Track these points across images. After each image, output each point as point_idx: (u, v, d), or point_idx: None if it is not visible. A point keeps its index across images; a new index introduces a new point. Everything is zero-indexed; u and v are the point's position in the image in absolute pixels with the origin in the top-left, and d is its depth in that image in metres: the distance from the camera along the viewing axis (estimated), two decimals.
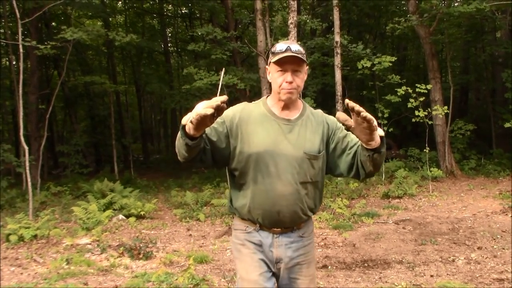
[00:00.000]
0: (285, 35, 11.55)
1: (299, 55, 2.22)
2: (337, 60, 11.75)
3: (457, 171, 13.32)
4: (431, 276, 5.11)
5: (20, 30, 9.59)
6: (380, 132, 2.04)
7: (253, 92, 14.27)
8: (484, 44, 17.54)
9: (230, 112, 2.36)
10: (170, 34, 24.49)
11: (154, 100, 29.19)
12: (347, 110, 1.94)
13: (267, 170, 2.27)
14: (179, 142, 2.05)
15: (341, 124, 2.25)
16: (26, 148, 9.27)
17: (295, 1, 10.37)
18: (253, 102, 2.48)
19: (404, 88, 11.52)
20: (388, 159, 13.95)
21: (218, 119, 2.21)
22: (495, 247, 6.13)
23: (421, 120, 11.43)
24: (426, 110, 11.48)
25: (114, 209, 9.39)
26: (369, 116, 1.86)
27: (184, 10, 22.93)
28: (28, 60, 15.18)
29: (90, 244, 7.02)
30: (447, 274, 5.15)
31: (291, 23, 9.88)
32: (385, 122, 12.35)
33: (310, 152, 2.30)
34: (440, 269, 5.33)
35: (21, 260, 6.28)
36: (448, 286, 4.64)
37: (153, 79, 19.86)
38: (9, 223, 7.59)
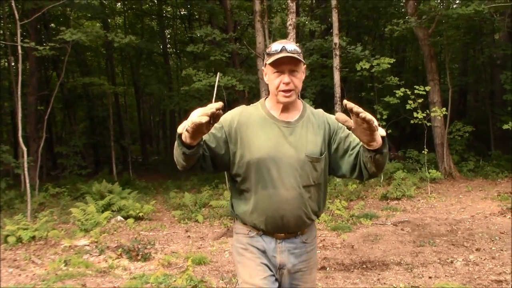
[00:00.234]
0: (284, 36, 11.56)
1: (295, 55, 2.16)
2: (336, 62, 11.77)
3: (455, 173, 13.34)
4: (430, 277, 5.11)
5: (19, 31, 9.61)
6: (381, 132, 1.98)
7: (252, 93, 14.28)
8: (483, 46, 17.56)
9: (228, 117, 2.31)
10: (169, 36, 24.49)
11: (153, 102, 29.20)
12: (347, 111, 1.90)
13: (269, 174, 2.21)
14: (177, 151, 2.01)
15: (342, 124, 2.26)
16: (25, 149, 9.27)
17: (294, 3, 10.39)
18: (251, 105, 2.42)
19: (402, 89, 11.53)
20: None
21: (216, 125, 2.15)
22: (493, 248, 6.14)
23: (420, 122, 11.44)
24: (425, 112, 11.49)
25: (112, 211, 9.38)
26: (368, 116, 1.81)
27: (183, 12, 22.93)
28: (27, 61, 15.16)
29: (88, 245, 7.02)
30: (446, 275, 5.15)
31: (290, 24, 9.89)
32: (384, 123, 12.35)
33: (312, 154, 2.24)
34: (439, 270, 5.33)
35: (19, 261, 6.27)
36: None
37: (152, 80, 19.86)
38: (8, 224, 7.58)
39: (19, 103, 9.57)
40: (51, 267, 5.79)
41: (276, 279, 2.34)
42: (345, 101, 1.84)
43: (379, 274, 5.31)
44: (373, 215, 8.63)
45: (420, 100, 11.30)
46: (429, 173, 11.56)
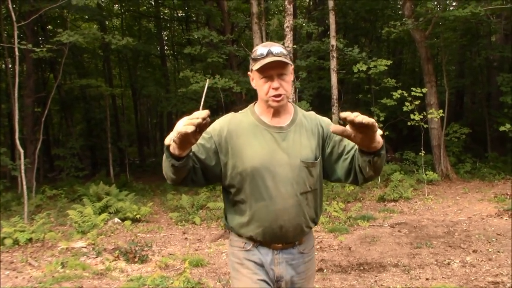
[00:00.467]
0: (281, 38, 11.58)
1: (283, 58, 2.06)
2: (333, 64, 11.78)
3: (452, 175, 13.37)
4: (427, 279, 5.12)
5: (16, 33, 9.59)
6: (379, 131, 1.89)
7: (249, 95, 14.28)
8: (479, 48, 17.59)
9: (217, 126, 2.20)
10: (166, 38, 24.49)
11: (150, 104, 29.20)
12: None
13: (264, 184, 2.12)
14: (165, 164, 1.93)
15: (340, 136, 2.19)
16: (22, 151, 9.25)
17: (291, 5, 10.40)
18: (240, 111, 2.31)
19: (399, 91, 11.56)
20: (384, 163, 13.96)
21: (205, 135, 2.11)
22: (490, 250, 6.15)
23: (417, 124, 11.46)
24: (422, 114, 11.52)
25: (109, 213, 9.37)
26: (367, 120, 1.71)
27: (180, 14, 22.95)
28: (24, 63, 15.15)
29: (85, 247, 7.00)
30: (443, 277, 5.16)
31: (287, 26, 9.90)
32: (381, 125, 12.37)
33: (307, 159, 2.15)
34: (436, 272, 5.34)
35: (16, 263, 6.25)
36: None
37: (150, 82, 19.86)
38: (4, 226, 7.57)
39: (16, 105, 9.55)
40: (48, 269, 5.77)
41: None
42: (342, 115, 1.72)
43: (376, 276, 5.32)
44: (370, 217, 8.64)
45: (417, 102, 11.33)
46: (426, 175, 11.58)
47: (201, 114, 1.69)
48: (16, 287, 5.23)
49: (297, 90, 11.58)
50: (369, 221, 8.37)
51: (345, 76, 14.41)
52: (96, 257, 6.44)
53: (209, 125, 1.75)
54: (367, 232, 7.49)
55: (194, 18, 22.22)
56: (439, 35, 14.40)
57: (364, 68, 12.11)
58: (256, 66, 2.08)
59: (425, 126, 11.89)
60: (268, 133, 2.17)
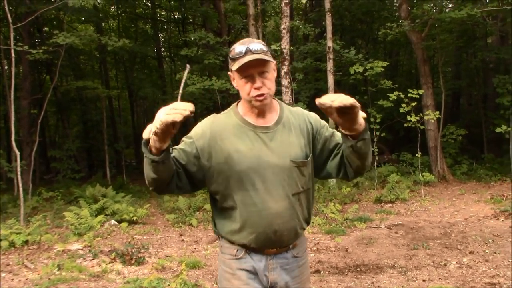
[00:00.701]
0: (277, 40, 11.58)
1: (262, 55, 1.94)
2: (330, 65, 11.80)
3: (449, 176, 13.39)
4: (423, 280, 5.12)
5: (12, 34, 9.57)
6: (362, 113, 1.79)
7: None
8: (476, 50, 17.66)
9: (199, 130, 2.09)
10: (163, 39, 24.47)
11: (147, 105, 29.10)
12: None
13: (254, 188, 2.00)
14: (146, 165, 1.84)
15: (325, 122, 2.12)
16: (18, 153, 9.22)
17: (288, 7, 10.41)
18: (222, 112, 2.20)
19: (396, 93, 11.57)
20: (381, 164, 14.01)
21: (186, 139, 2.05)
22: (486, 251, 6.16)
23: (413, 125, 11.47)
24: (418, 115, 11.53)
25: (106, 215, 9.34)
26: (348, 102, 1.64)
27: (177, 15, 22.96)
28: (20, 65, 15.10)
29: (81, 249, 6.99)
30: (439, 278, 5.16)
31: (284, 28, 9.91)
32: (378, 127, 12.39)
33: (297, 159, 2.04)
34: (432, 273, 5.35)
35: (12, 266, 6.23)
36: None
37: (146, 84, 19.83)
38: (0, 228, 7.53)
39: (12, 106, 9.53)
40: (44, 271, 5.75)
41: None
42: (317, 102, 1.68)
43: (373, 278, 5.32)
44: (367, 218, 8.64)
45: (413, 104, 11.35)
46: (422, 176, 11.59)
47: (188, 106, 1.66)
48: None
49: (293, 91, 11.59)
50: (366, 222, 8.38)
51: (342, 78, 14.41)
52: (93, 259, 6.43)
53: (191, 117, 1.70)
54: (364, 234, 7.50)
55: (190, 20, 22.23)
56: (436, 36, 14.43)
57: (360, 69, 12.13)
58: (235, 66, 1.97)
59: (422, 127, 11.91)
60: (254, 134, 2.05)
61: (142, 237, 8.11)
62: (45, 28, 18.62)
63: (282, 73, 9.56)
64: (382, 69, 12.35)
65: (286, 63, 9.72)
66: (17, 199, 10.10)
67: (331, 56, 11.86)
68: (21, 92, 14.79)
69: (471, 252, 6.16)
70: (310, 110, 2.41)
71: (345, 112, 1.68)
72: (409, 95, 11.32)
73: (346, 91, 18.77)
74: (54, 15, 17.23)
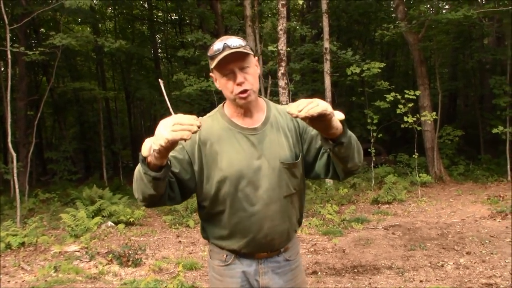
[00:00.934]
0: (274, 41, 11.60)
1: (241, 49, 1.84)
2: (327, 67, 11.81)
3: (445, 177, 13.43)
4: (421, 281, 5.12)
5: (8, 36, 9.54)
6: (338, 115, 1.68)
7: None
8: (472, 51, 17.73)
9: None
10: (160, 40, 24.49)
11: (144, 106, 29.10)
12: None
13: (245, 192, 1.92)
14: (141, 182, 1.75)
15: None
16: (14, 154, 9.19)
17: (285, 8, 10.42)
18: (207, 115, 2.09)
19: (393, 94, 11.59)
20: (378, 165, 14.02)
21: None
22: (483, 252, 6.16)
23: (410, 126, 11.49)
24: (415, 116, 11.55)
25: (103, 216, 9.32)
26: (315, 112, 1.55)
27: (174, 17, 22.96)
28: (16, 66, 15.09)
29: (78, 251, 6.96)
30: (436, 279, 5.17)
31: (281, 29, 9.92)
32: (374, 128, 12.41)
33: (287, 160, 1.96)
34: (429, 274, 5.35)
35: (9, 268, 6.21)
36: None
37: (143, 85, 19.82)
38: None
39: (9, 108, 9.50)
40: (41, 273, 5.73)
41: None
42: (286, 110, 1.60)
43: (370, 278, 5.32)
44: (364, 219, 8.64)
45: (410, 105, 11.37)
46: (419, 177, 11.61)
47: (194, 120, 1.55)
48: None
49: (291, 92, 11.59)
50: (363, 223, 8.38)
51: (339, 79, 14.45)
52: (89, 261, 6.41)
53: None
54: (361, 235, 7.50)
55: (187, 21, 22.23)
56: (432, 38, 14.48)
57: (357, 70, 12.14)
58: (213, 64, 1.88)
59: (419, 128, 11.94)
60: (243, 137, 1.97)
61: (139, 238, 8.09)
62: (42, 29, 18.63)
63: (279, 74, 9.57)
64: (379, 70, 12.38)
65: (283, 64, 9.72)
66: (14, 200, 10.08)
67: (328, 57, 11.87)
68: (17, 93, 14.77)
69: (468, 253, 6.16)
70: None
71: (316, 120, 1.59)
72: (406, 96, 11.34)
73: (343, 92, 18.88)
74: (51, 16, 17.23)
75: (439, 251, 6.33)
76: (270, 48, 11.57)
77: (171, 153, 1.80)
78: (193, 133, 1.54)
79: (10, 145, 9.47)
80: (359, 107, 17.31)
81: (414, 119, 11.44)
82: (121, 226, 8.77)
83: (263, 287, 2.05)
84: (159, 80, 1.87)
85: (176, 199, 1.94)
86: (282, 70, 9.88)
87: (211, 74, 1.99)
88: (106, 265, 6.13)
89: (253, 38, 11.90)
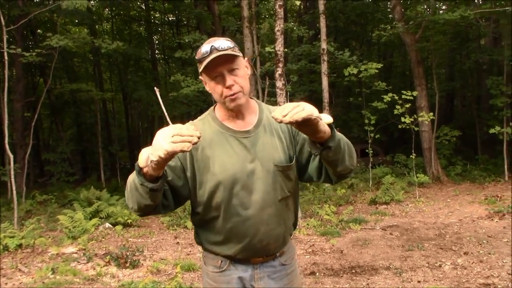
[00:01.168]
0: (272, 42, 11.58)
1: (229, 51, 1.79)
2: (324, 67, 11.80)
3: (443, 177, 13.45)
4: (418, 281, 5.13)
5: (5, 37, 9.53)
6: (327, 118, 1.65)
7: None
8: (469, 52, 17.77)
9: None
10: (157, 42, 24.46)
11: (141, 108, 29.05)
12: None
13: (239, 197, 1.88)
14: (137, 192, 1.71)
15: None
16: (11, 156, 9.18)
17: (282, 9, 10.41)
18: (198, 118, 2.05)
19: (390, 94, 11.60)
20: (375, 165, 14.04)
21: None
22: (481, 252, 6.17)
23: (408, 127, 11.50)
24: (412, 117, 11.57)
25: (100, 218, 9.31)
26: (300, 117, 1.52)
27: (171, 18, 22.94)
28: (13, 68, 15.03)
29: (76, 253, 6.95)
30: (434, 279, 5.17)
31: (278, 30, 9.90)
32: (372, 128, 12.42)
33: (281, 163, 1.91)
34: (427, 274, 5.35)
35: (6, 269, 6.19)
36: None
37: (140, 86, 19.81)
38: None
39: (6, 109, 9.49)
40: (38, 275, 5.72)
41: None
42: (272, 115, 1.56)
43: (368, 279, 5.32)
44: (362, 219, 8.65)
45: (407, 105, 11.38)
46: (417, 177, 11.62)
47: (194, 132, 1.51)
48: None
49: (288, 93, 11.59)
50: (361, 224, 8.38)
51: (336, 80, 14.45)
52: (87, 263, 6.40)
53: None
54: (359, 235, 7.50)
55: (185, 22, 22.22)
56: (429, 38, 14.50)
57: (355, 71, 12.15)
58: (201, 67, 1.83)
59: (416, 129, 11.95)
60: (235, 140, 1.92)
61: (136, 240, 8.08)
62: (39, 30, 18.59)
63: (277, 75, 9.54)
64: (376, 71, 12.39)
65: (281, 65, 9.71)
66: (11, 202, 10.06)
67: (325, 58, 11.87)
68: (14, 95, 14.74)
69: (465, 253, 6.17)
70: None
71: (302, 124, 1.56)
72: (403, 96, 11.36)
73: (341, 92, 18.88)
74: (48, 17, 17.21)
75: (436, 252, 6.33)
76: (268, 49, 11.55)
77: None
78: (193, 144, 1.50)
79: (7, 146, 9.45)
80: (356, 107, 17.33)
81: (412, 119, 11.45)
82: (118, 227, 8.76)
83: None
84: (155, 88, 1.83)
85: (170, 206, 1.90)
86: (279, 71, 9.86)
87: (200, 77, 1.94)
88: (103, 266, 6.12)
89: (250, 39, 11.89)
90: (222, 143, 1.91)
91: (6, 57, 9.33)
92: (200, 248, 2.05)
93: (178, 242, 7.79)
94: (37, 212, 10.87)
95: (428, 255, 6.17)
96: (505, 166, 13.10)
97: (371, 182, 12.51)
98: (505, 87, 13.47)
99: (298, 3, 19.36)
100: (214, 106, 2.03)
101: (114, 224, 9.07)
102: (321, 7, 11.93)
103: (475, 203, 10.02)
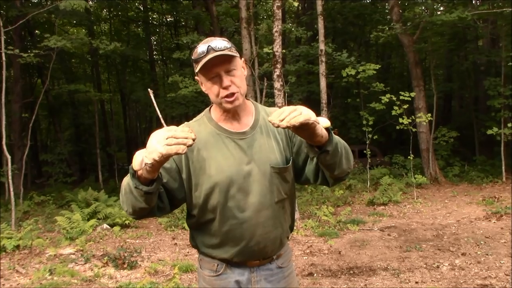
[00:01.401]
0: (270, 43, 11.59)
1: (226, 51, 1.76)
2: (322, 68, 11.81)
3: (441, 178, 13.46)
4: (416, 282, 5.13)
5: (3, 38, 9.51)
6: (323, 122, 1.65)
7: None
8: (467, 53, 17.81)
9: None
10: (155, 42, 24.48)
11: (139, 108, 29.10)
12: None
13: (235, 199, 1.85)
14: (132, 195, 1.69)
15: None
16: (9, 157, 9.16)
17: (280, 10, 10.42)
18: (194, 119, 2.03)
19: (388, 95, 11.62)
20: (373, 166, 14.05)
21: None
22: (478, 253, 6.18)
23: (405, 128, 11.52)
24: (410, 118, 11.58)
25: (98, 219, 9.30)
26: (297, 121, 1.50)
27: (169, 18, 22.94)
28: (11, 68, 15.03)
29: (73, 254, 6.94)
30: (432, 280, 5.17)
31: (276, 31, 9.91)
32: (370, 129, 12.44)
33: (278, 164, 1.89)
34: (425, 275, 5.36)
35: (3, 271, 6.18)
36: None
37: (138, 87, 19.81)
38: None
39: (3, 110, 9.47)
40: (36, 276, 5.71)
41: None
42: (269, 119, 1.55)
43: (366, 280, 5.32)
44: (360, 220, 8.65)
45: (405, 106, 11.40)
46: (415, 178, 11.64)
47: (189, 134, 1.49)
48: None
49: (286, 94, 11.59)
50: (359, 225, 8.39)
51: (334, 81, 14.47)
52: (85, 264, 6.39)
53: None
54: (356, 236, 7.51)
55: (183, 23, 22.23)
56: (427, 39, 14.53)
57: (353, 72, 12.16)
58: (198, 67, 1.80)
59: (414, 130, 11.97)
60: (232, 142, 1.89)
61: (134, 241, 8.07)
62: (37, 31, 18.56)
63: (275, 76, 9.55)
64: (374, 72, 12.40)
65: (279, 66, 9.71)
66: (8, 203, 10.04)
67: (324, 59, 11.88)
68: (12, 95, 14.73)
69: (463, 254, 6.18)
70: None
71: (299, 128, 1.55)
72: (401, 97, 11.37)
73: (339, 93, 18.89)
74: (46, 18, 17.16)
75: (434, 252, 6.34)
76: (266, 50, 11.57)
77: None
78: (188, 146, 1.48)
79: (5, 147, 9.44)
80: (354, 108, 17.35)
81: (409, 120, 11.47)
82: (116, 228, 8.75)
83: None
84: (149, 90, 1.81)
85: (165, 209, 1.88)
86: (277, 72, 9.87)
87: (196, 77, 1.92)
88: (101, 267, 6.12)
89: (248, 40, 11.89)
90: (218, 145, 1.89)
91: (4, 58, 9.32)
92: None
93: (176, 243, 7.78)
94: (35, 213, 10.85)
95: (426, 256, 6.17)
96: (503, 167, 13.12)
97: (369, 183, 12.52)
98: (503, 88, 13.49)
99: (296, 4, 19.39)
100: (210, 107, 2.01)
101: (112, 225, 9.06)
102: (319, 8, 11.95)
103: (473, 204, 10.04)
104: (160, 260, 6.57)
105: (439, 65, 19.98)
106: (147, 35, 22.34)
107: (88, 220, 8.97)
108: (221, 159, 1.86)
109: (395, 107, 11.46)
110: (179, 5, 18.76)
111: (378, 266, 5.83)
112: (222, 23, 16.38)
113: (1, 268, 6.32)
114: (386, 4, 17.40)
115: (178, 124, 1.81)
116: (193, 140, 1.48)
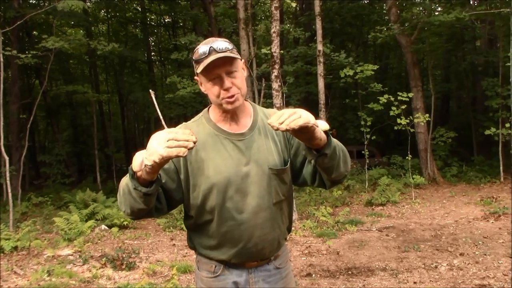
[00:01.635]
0: (268, 44, 11.60)
1: (228, 53, 1.76)
2: (320, 69, 11.82)
3: (439, 178, 13.48)
4: (414, 282, 5.13)
5: (0, 39, 9.50)
6: (322, 125, 1.65)
7: None
8: (465, 53, 17.84)
9: None
10: (153, 43, 24.46)
11: (138, 109, 29.07)
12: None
13: (233, 200, 1.85)
14: (130, 196, 1.68)
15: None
16: (7, 158, 9.14)
17: (278, 11, 10.42)
18: (192, 120, 2.03)
19: (386, 96, 11.62)
20: (371, 167, 14.06)
21: None
22: (477, 253, 6.19)
23: (404, 128, 11.53)
24: (408, 118, 11.59)
25: (96, 219, 9.29)
26: (296, 125, 1.51)
27: (167, 19, 22.94)
28: (9, 69, 15.01)
29: (72, 255, 6.93)
30: (430, 280, 5.18)
31: (274, 32, 9.91)
32: (368, 130, 12.44)
33: (276, 166, 1.88)
34: (423, 275, 5.36)
35: (1, 272, 6.16)
36: None
37: (136, 88, 19.79)
38: None
39: (1, 111, 9.44)
40: (34, 277, 5.70)
41: None
42: (268, 122, 1.55)
43: (364, 280, 5.32)
44: (358, 221, 8.66)
45: (403, 107, 11.41)
46: (413, 178, 11.65)
47: (190, 136, 1.49)
48: None
49: (284, 95, 11.60)
50: (357, 225, 8.39)
51: (332, 81, 14.47)
52: (83, 265, 6.38)
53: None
54: (355, 237, 7.51)
55: (181, 24, 22.23)
56: (425, 40, 14.56)
57: (351, 73, 12.17)
58: (200, 68, 1.78)
59: (412, 130, 11.98)
60: (230, 143, 1.89)
61: (132, 242, 8.06)
62: (34, 32, 18.53)
63: (273, 76, 9.55)
64: (372, 72, 12.41)
65: (277, 66, 9.71)
66: (6, 204, 10.01)
67: (322, 60, 11.88)
68: (10, 96, 14.69)
69: (461, 254, 6.19)
70: None
71: (298, 131, 1.55)
72: (399, 98, 11.38)
73: (337, 94, 18.90)
74: (43, 19, 17.16)
75: (432, 253, 6.35)
76: (264, 50, 11.57)
77: None
78: (189, 149, 1.48)
79: (2, 148, 9.42)
80: (352, 109, 17.36)
81: (408, 121, 11.48)
82: (114, 229, 8.74)
83: None
84: (150, 91, 1.80)
85: (163, 210, 1.88)
86: (275, 72, 9.87)
87: (196, 78, 1.91)
88: (99, 268, 6.11)
89: (246, 40, 11.89)
90: (217, 146, 1.88)
91: (1, 59, 9.30)
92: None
93: (174, 244, 7.77)
94: (33, 214, 10.83)
95: (424, 256, 6.18)
96: (501, 167, 13.13)
97: (367, 184, 12.53)
98: (501, 88, 13.51)
99: (294, 4, 19.40)
100: (208, 108, 2.01)
101: (110, 226, 9.05)
102: (317, 8, 11.96)
103: (471, 204, 10.05)
104: (158, 261, 6.57)
105: (437, 65, 20.04)
106: (145, 36, 22.32)
107: (86, 221, 8.96)
108: (219, 160, 1.86)
109: (393, 108, 11.47)
110: (177, 6, 18.76)
111: (377, 266, 5.84)
112: (220, 24, 16.38)
113: None
114: (384, 4, 17.44)
115: (176, 125, 1.81)
116: (194, 143, 1.48)
